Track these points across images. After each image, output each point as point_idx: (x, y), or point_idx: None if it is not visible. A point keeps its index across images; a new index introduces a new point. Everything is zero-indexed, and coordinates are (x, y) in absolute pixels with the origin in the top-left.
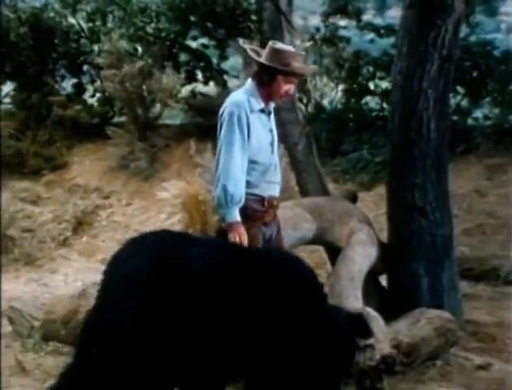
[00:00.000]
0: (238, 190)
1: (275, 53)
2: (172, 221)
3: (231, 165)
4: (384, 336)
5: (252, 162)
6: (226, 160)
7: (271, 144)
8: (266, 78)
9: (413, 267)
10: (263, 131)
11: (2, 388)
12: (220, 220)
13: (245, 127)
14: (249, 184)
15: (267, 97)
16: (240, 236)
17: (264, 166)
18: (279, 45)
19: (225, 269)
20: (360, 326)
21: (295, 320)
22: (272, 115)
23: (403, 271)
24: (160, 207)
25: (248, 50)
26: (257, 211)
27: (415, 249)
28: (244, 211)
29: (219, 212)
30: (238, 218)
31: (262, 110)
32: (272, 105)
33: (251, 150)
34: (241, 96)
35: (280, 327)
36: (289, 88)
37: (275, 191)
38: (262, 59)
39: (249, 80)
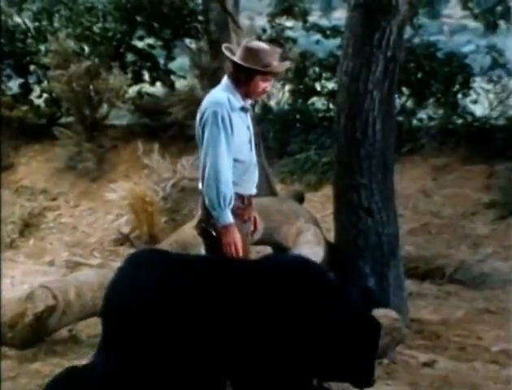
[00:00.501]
0: (229, 191)
1: (251, 52)
2: (120, 222)
3: (221, 166)
4: None
5: (234, 160)
6: (215, 161)
7: (250, 141)
8: (244, 78)
9: (359, 267)
10: (243, 128)
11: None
12: (200, 222)
13: (228, 126)
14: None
15: (245, 95)
16: (235, 238)
17: (245, 164)
18: (255, 44)
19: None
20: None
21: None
22: (249, 112)
23: (350, 271)
24: (108, 208)
25: (223, 50)
26: (238, 208)
27: (362, 249)
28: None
29: (214, 214)
30: (232, 219)
31: (241, 108)
32: (249, 101)
33: (233, 149)
34: (221, 94)
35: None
36: (266, 85)
37: (253, 188)
38: (238, 59)
39: (225, 79)
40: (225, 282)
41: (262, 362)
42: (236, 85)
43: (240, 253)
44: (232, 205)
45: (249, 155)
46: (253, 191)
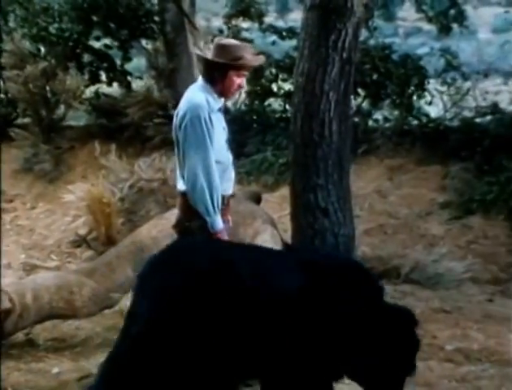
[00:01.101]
0: (219, 195)
1: (223, 48)
2: (77, 224)
3: (211, 172)
4: None
5: (215, 162)
6: (205, 167)
7: (227, 141)
8: (218, 75)
9: None
10: (220, 129)
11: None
12: (181, 222)
13: (210, 128)
14: None
15: (221, 94)
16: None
17: (223, 164)
18: (225, 40)
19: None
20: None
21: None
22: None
23: None
24: (65, 210)
25: (195, 52)
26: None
27: None
28: None
29: (209, 220)
30: (221, 224)
31: (219, 109)
32: (222, 101)
33: (214, 150)
34: (200, 96)
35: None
36: (241, 81)
37: (231, 188)
38: (211, 57)
39: (200, 80)
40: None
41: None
42: (211, 85)
43: None
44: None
45: (227, 155)
46: (231, 191)
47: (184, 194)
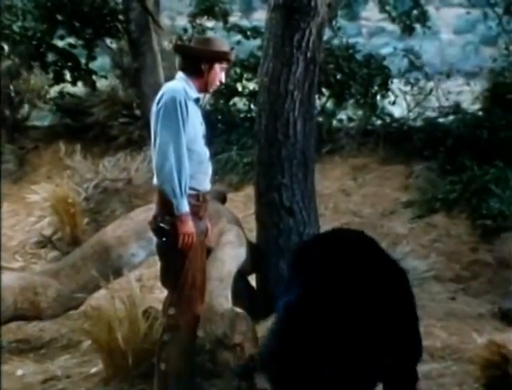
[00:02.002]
0: (187, 179)
1: (209, 41)
2: (42, 224)
3: (181, 153)
4: (252, 336)
5: (189, 150)
6: (176, 148)
7: (204, 136)
8: (204, 67)
9: (281, 267)
10: (198, 120)
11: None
12: (155, 219)
13: (185, 112)
14: None
15: (203, 88)
16: (191, 228)
17: (200, 155)
18: (208, 35)
19: None
20: None
21: None
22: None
23: (271, 271)
24: (30, 210)
25: (175, 47)
26: (194, 206)
27: (283, 249)
28: None
29: (173, 202)
30: (187, 208)
31: (196, 100)
32: (200, 95)
33: (187, 138)
34: (178, 84)
35: None
36: (222, 75)
37: (208, 185)
38: (196, 46)
39: (180, 74)
40: None
41: None
42: (193, 77)
43: (192, 245)
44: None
45: (204, 149)
46: (208, 186)
47: (159, 190)
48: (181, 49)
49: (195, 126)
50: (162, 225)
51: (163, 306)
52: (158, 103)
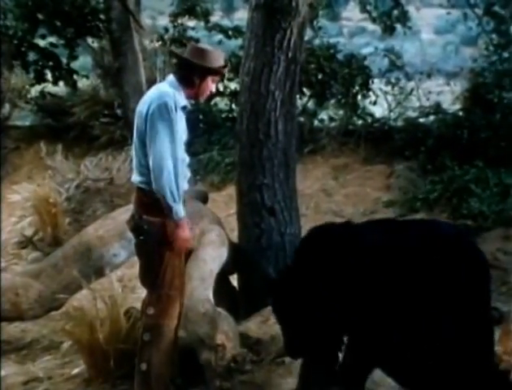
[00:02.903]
0: (183, 184)
1: (204, 54)
2: (23, 224)
3: (177, 158)
4: (234, 336)
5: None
6: (172, 154)
7: (185, 142)
8: (196, 78)
9: (262, 266)
10: (183, 127)
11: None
12: (133, 218)
13: (176, 118)
14: None
15: (192, 97)
16: (188, 232)
17: (184, 161)
18: (203, 46)
19: None
20: None
21: None
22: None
23: (253, 271)
24: (11, 210)
25: (172, 51)
26: None
27: (264, 249)
28: (159, 203)
29: (173, 208)
30: (183, 213)
31: (183, 107)
32: (187, 102)
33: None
34: (169, 89)
35: None
36: (214, 86)
37: (186, 185)
38: (192, 58)
39: (171, 77)
40: None
41: None
42: (184, 85)
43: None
44: None
45: (185, 154)
46: (186, 186)
47: (139, 188)
48: (176, 57)
49: (180, 132)
50: (140, 224)
51: (142, 306)
52: (148, 107)
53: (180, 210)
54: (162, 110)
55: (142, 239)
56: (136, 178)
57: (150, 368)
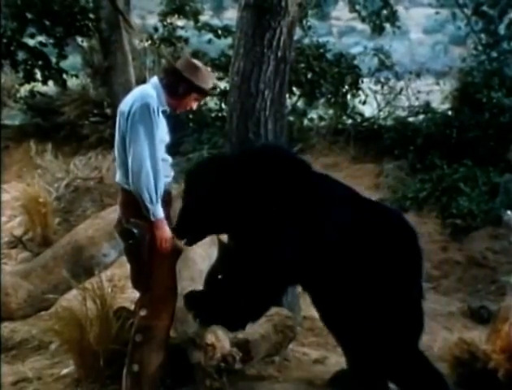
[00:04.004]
0: (162, 185)
1: (195, 71)
2: (12, 224)
3: (156, 160)
4: (224, 335)
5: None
6: (151, 155)
7: (167, 145)
8: (181, 91)
9: None
10: (164, 129)
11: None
12: (121, 222)
13: (157, 119)
14: None
15: (171, 106)
16: (168, 232)
17: (166, 161)
18: (199, 63)
19: None
20: None
21: None
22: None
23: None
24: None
25: (167, 58)
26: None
27: None
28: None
29: (150, 209)
30: (162, 214)
31: (163, 111)
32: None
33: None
34: (152, 91)
35: None
36: (195, 104)
37: (169, 186)
38: (184, 72)
39: (156, 80)
40: None
41: None
42: (167, 93)
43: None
44: None
45: (166, 155)
46: (169, 188)
47: (122, 189)
48: (169, 64)
49: (160, 134)
50: (128, 227)
51: (135, 307)
52: (130, 107)
53: (157, 210)
54: (144, 111)
55: (131, 243)
56: (120, 178)
57: (142, 369)
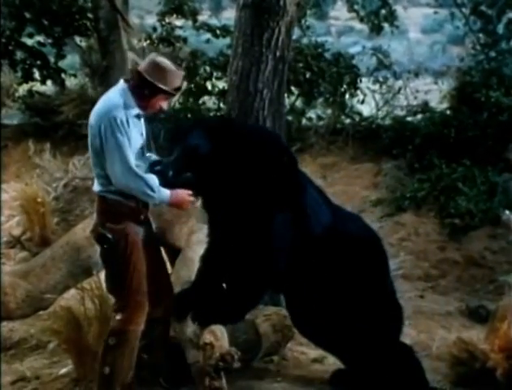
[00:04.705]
0: (149, 177)
1: (162, 71)
2: (11, 224)
3: (133, 169)
4: (222, 334)
5: None
6: (128, 167)
7: (142, 147)
8: (147, 93)
9: None
10: (136, 134)
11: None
12: (97, 227)
13: (127, 129)
14: None
15: (142, 108)
16: (183, 196)
17: (139, 167)
18: (164, 63)
19: None
20: None
21: None
22: (142, 120)
23: None
24: None
25: (131, 62)
26: (133, 210)
27: None
28: (120, 210)
29: (156, 200)
30: (167, 191)
31: (136, 115)
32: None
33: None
34: (118, 99)
35: None
36: (165, 104)
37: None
38: (147, 74)
39: (123, 85)
40: None
41: None
42: (135, 96)
43: (135, 252)
44: (125, 208)
45: (141, 159)
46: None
47: (98, 196)
48: (134, 70)
49: (133, 140)
50: (103, 232)
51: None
52: (98, 122)
53: (162, 195)
54: (113, 126)
55: (106, 247)
56: (96, 187)
57: (113, 372)
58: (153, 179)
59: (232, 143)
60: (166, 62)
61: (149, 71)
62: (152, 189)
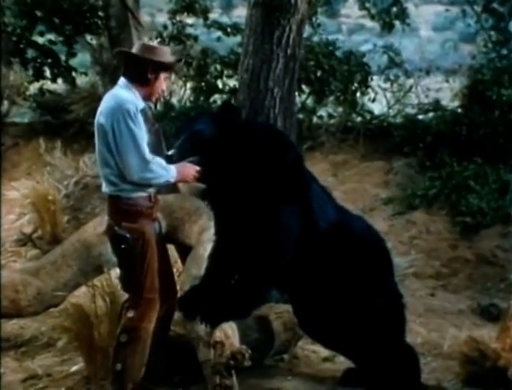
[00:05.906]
0: (159, 161)
1: (154, 50)
2: (22, 222)
3: (145, 156)
4: (233, 332)
5: None
6: (142, 155)
7: (148, 144)
8: (151, 77)
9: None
10: (143, 130)
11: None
12: (111, 227)
13: (140, 121)
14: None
15: (147, 97)
16: (190, 169)
17: None
18: (150, 43)
19: None
20: None
21: None
22: (148, 116)
23: None
24: (9, 208)
25: (121, 52)
26: (147, 208)
27: None
28: (134, 209)
29: (168, 180)
30: (173, 167)
31: (142, 110)
32: (144, 104)
33: None
34: (127, 94)
35: None
36: (165, 84)
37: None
38: (146, 55)
39: (123, 81)
40: None
41: None
42: (139, 86)
43: (149, 249)
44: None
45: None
46: (154, 189)
47: (110, 196)
48: (127, 56)
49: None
50: (121, 233)
51: (121, 309)
52: (110, 118)
53: (170, 173)
54: (127, 118)
55: (125, 247)
56: (106, 189)
57: (125, 369)
58: (161, 160)
59: (237, 129)
60: (151, 42)
61: (142, 52)
62: (166, 169)
